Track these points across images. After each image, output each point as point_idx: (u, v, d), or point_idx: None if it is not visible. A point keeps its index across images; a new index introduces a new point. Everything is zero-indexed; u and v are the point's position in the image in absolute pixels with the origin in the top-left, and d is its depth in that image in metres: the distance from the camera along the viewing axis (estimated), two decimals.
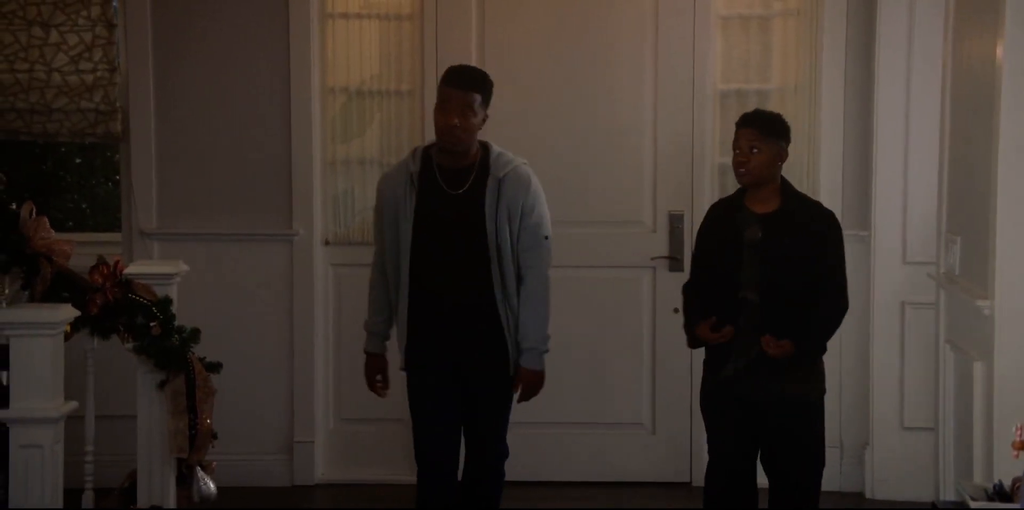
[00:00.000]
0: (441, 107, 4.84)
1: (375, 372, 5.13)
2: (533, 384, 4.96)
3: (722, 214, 5.06)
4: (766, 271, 4.83)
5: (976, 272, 4.73)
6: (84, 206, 8.57)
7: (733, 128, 4.97)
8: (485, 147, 4.98)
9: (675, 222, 6.59)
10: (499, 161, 4.94)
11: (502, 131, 6.50)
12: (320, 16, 6.65)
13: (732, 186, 6.69)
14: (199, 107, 6.61)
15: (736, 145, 4.95)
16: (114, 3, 6.49)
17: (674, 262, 6.57)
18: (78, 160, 8.56)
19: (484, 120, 4.94)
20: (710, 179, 6.61)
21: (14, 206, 5.05)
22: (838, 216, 6.46)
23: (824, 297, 4.86)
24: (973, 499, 3.77)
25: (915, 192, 6.35)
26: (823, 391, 4.94)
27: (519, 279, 4.92)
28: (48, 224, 5.06)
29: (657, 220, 6.62)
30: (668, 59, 6.60)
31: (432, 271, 4.89)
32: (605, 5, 6.62)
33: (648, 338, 6.65)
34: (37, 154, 8.28)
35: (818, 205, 5.10)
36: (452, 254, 4.88)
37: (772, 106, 6.61)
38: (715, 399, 5.00)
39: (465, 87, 4.87)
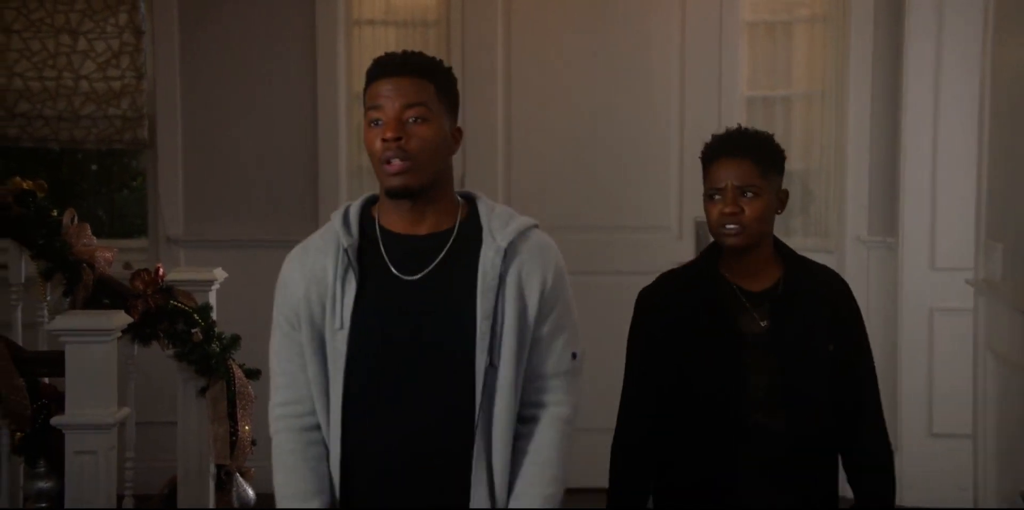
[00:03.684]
0: (370, 117, 2.92)
1: None
2: None
3: (691, 295, 3.33)
4: (790, 380, 3.23)
5: (1021, 278, 4.71)
6: (100, 213, 8.53)
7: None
8: (470, 199, 3.04)
9: (701, 229, 6.58)
10: (497, 220, 2.96)
11: (527, 138, 6.52)
12: (346, 23, 6.65)
13: None
14: (226, 114, 6.62)
15: (714, 185, 3.23)
16: (141, 10, 6.49)
17: None
18: (94, 167, 8.53)
19: (456, 137, 2.98)
20: None
21: (55, 213, 5.04)
22: (865, 223, 6.57)
23: (867, 431, 3.32)
24: None
25: (943, 198, 6.36)
26: None
27: (521, 420, 2.96)
28: (90, 231, 5.05)
29: (683, 227, 6.63)
30: (695, 65, 6.62)
31: (378, 416, 2.91)
32: (631, 11, 6.63)
33: None
34: (53, 160, 8.25)
35: (828, 271, 3.42)
36: (412, 385, 2.90)
37: (798, 112, 6.65)
38: None
39: (407, 73, 2.92)
